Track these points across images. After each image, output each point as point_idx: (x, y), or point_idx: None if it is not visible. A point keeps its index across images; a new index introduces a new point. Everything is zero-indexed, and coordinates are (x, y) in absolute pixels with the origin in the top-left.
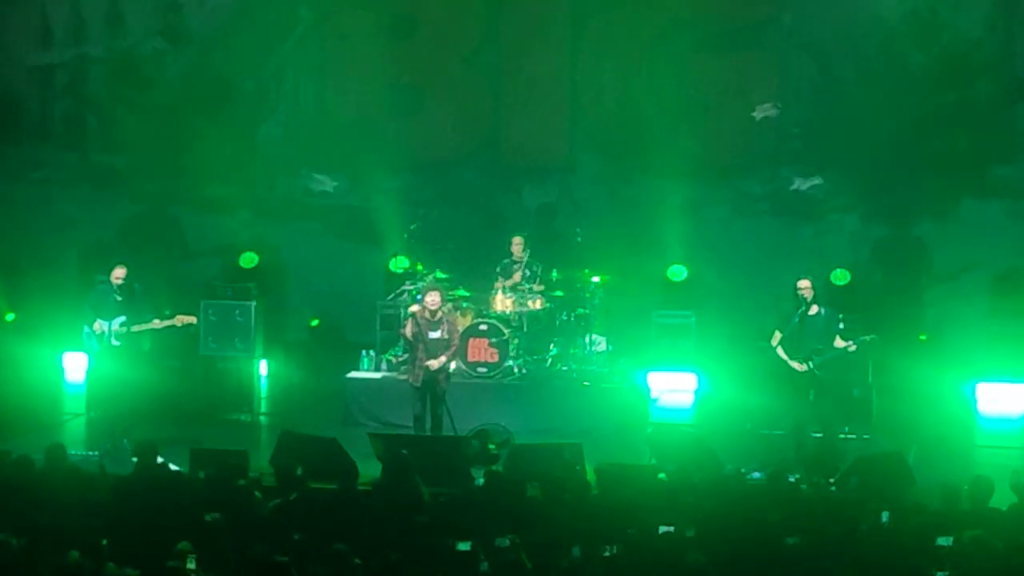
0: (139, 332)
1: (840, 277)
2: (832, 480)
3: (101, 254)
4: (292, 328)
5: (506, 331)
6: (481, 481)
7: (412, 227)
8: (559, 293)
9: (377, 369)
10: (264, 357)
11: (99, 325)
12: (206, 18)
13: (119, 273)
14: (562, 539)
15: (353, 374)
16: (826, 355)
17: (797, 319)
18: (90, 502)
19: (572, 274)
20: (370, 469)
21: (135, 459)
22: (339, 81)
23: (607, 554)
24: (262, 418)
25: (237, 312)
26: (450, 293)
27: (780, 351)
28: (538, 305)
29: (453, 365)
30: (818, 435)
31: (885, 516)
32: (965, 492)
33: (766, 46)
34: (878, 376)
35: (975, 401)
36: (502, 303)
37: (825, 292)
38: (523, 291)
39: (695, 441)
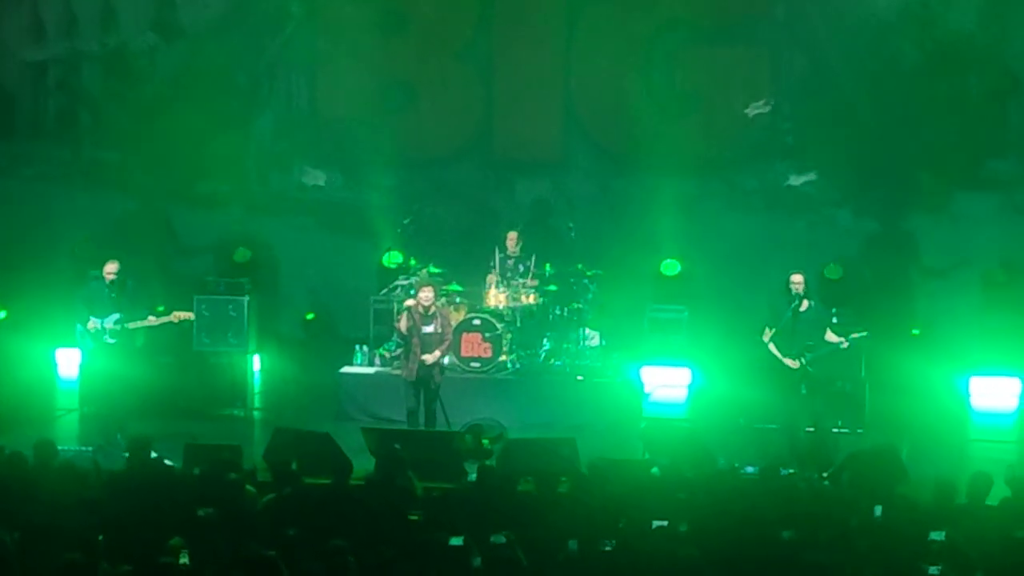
0: (133, 328)
1: (833, 271)
2: (825, 475)
3: (94, 250)
4: (285, 323)
5: (499, 326)
6: (474, 476)
7: (405, 222)
8: (552, 288)
9: (370, 364)
10: (257, 352)
11: (93, 323)
12: (198, 13)
13: (111, 268)
14: (556, 534)
15: (346, 369)
16: (818, 351)
17: (790, 314)
18: (83, 498)
19: (565, 269)
20: (363, 464)
21: (128, 454)
22: (331, 76)
23: (603, 549)
24: (255, 413)
25: (230, 307)
26: (443, 288)
27: (772, 347)
28: (531, 300)
29: (447, 360)
30: (811, 430)
31: (878, 510)
32: (964, 488)
33: (759, 41)
34: (871, 371)
35: (968, 395)
36: (495, 298)
37: (818, 286)
38: (516, 286)
39: (688, 436)
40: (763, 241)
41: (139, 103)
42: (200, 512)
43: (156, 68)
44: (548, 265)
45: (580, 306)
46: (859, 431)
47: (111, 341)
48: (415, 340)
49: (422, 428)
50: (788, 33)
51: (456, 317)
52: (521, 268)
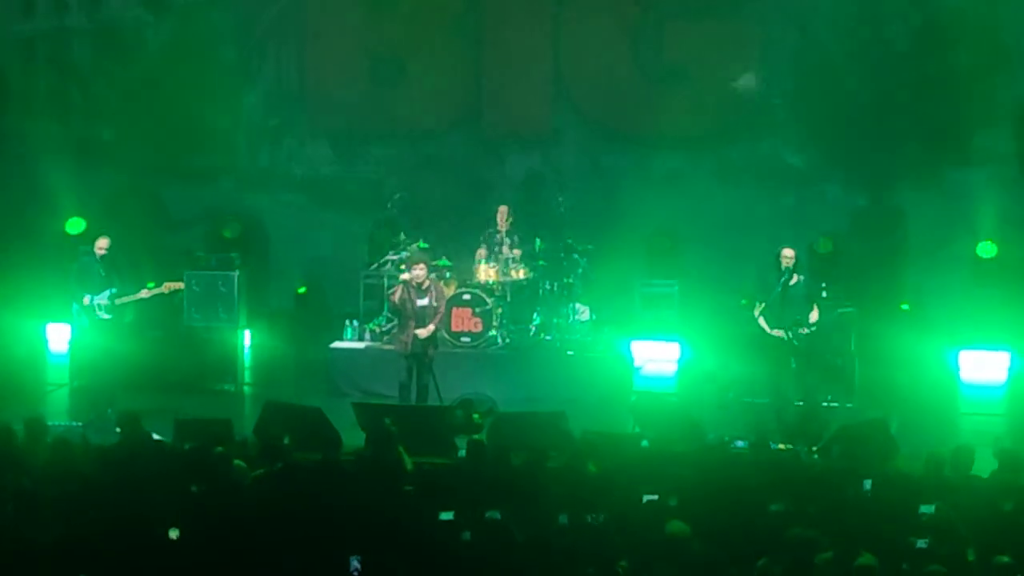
0: (123, 303)
1: (823, 246)
2: (815, 448)
3: (84, 226)
4: (276, 298)
5: (489, 301)
6: (464, 451)
7: (395, 197)
8: (542, 262)
9: (361, 339)
10: (248, 327)
11: (87, 299)
12: None
13: (102, 243)
14: (547, 508)
15: (337, 344)
16: (806, 325)
17: (779, 288)
18: (74, 472)
19: (555, 243)
20: (354, 439)
21: (119, 429)
22: (321, 51)
23: (591, 520)
24: (246, 388)
25: (220, 282)
26: (433, 263)
27: (761, 321)
28: (521, 274)
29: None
30: (801, 403)
31: (867, 484)
32: (947, 461)
33: (749, 15)
34: (861, 344)
35: (957, 369)
36: (485, 273)
37: (808, 261)
38: (507, 261)
39: (678, 410)
40: (753, 216)
41: (129, 79)
42: (193, 488)
43: (146, 43)
44: (538, 240)
45: (570, 281)
46: (849, 405)
47: (106, 317)
48: (409, 313)
49: (413, 402)
50: (778, 7)
51: (446, 291)
52: (509, 243)
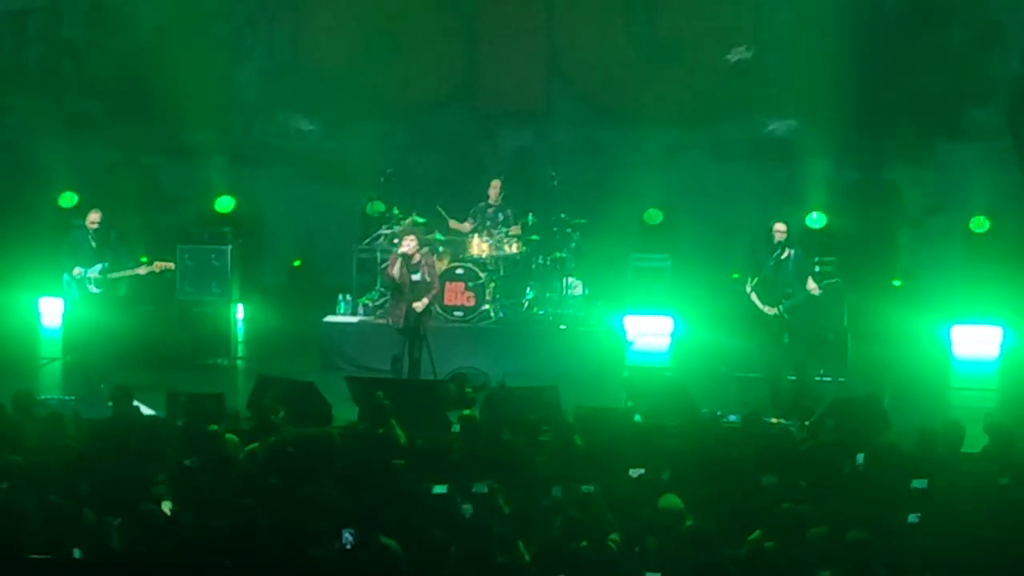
0: (116, 278)
1: (815, 220)
2: (807, 423)
3: (77, 200)
4: (269, 272)
5: (482, 275)
6: (456, 427)
7: (388, 171)
8: (535, 237)
9: (354, 313)
10: (240, 301)
11: (78, 271)
12: None
13: (94, 217)
14: (539, 481)
15: (330, 318)
16: (795, 299)
17: (772, 263)
18: (65, 447)
19: (548, 218)
20: (347, 413)
21: (111, 404)
22: (314, 25)
23: (585, 490)
24: (239, 362)
25: (213, 256)
26: (426, 236)
27: (753, 296)
28: (514, 249)
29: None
30: (793, 378)
31: (860, 458)
32: (938, 436)
33: None
34: (853, 319)
35: (950, 344)
36: (478, 247)
37: (800, 235)
38: (499, 235)
39: (671, 384)
40: (746, 190)
41: (121, 53)
42: (186, 462)
43: (138, 18)
44: (531, 214)
45: (563, 255)
46: (841, 379)
47: (96, 290)
48: (404, 288)
49: (406, 376)
50: None
51: (439, 266)
52: (502, 217)
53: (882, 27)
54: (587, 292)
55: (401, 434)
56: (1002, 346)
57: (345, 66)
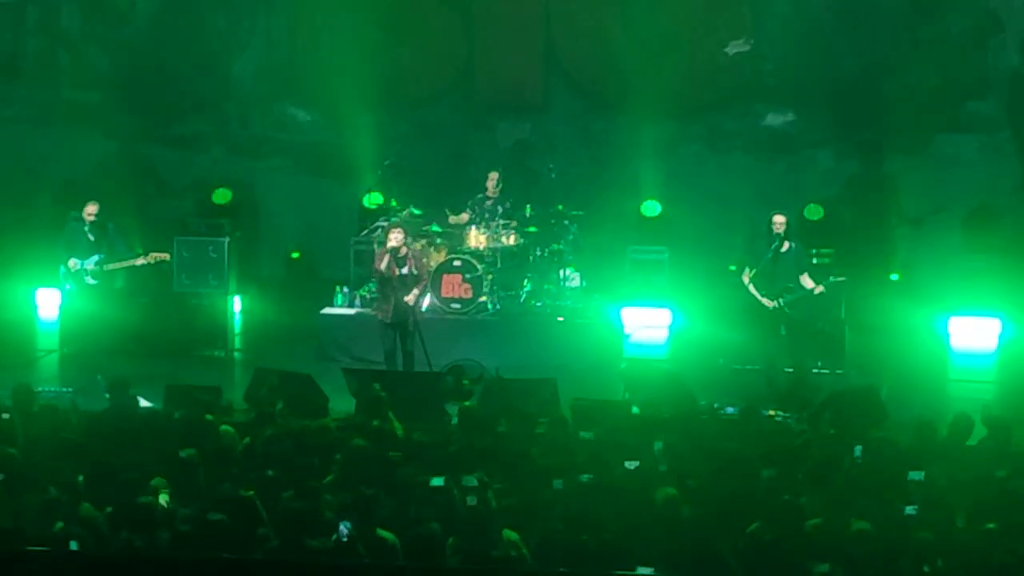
0: (112, 270)
1: (813, 212)
2: (805, 415)
3: (74, 191)
4: (266, 264)
5: (480, 267)
6: (455, 419)
7: (386, 163)
8: (533, 229)
9: (351, 305)
10: (238, 293)
11: (74, 263)
12: None
13: (91, 209)
14: (537, 473)
15: (327, 310)
16: (796, 294)
17: (770, 255)
18: (64, 439)
19: (546, 210)
20: (344, 405)
21: (109, 395)
22: (311, 17)
23: (584, 479)
24: (236, 354)
25: (210, 248)
26: (424, 228)
27: (751, 288)
28: (512, 241)
29: (426, 303)
30: (791, 370)
31: (858, 451)
32: (946, 428)
33: None
34: (851, 311)
35: (947, 336)
36: (476, 239)
37: (798, 227)
38: (496, 227)
39: (669, 376)
40: (743, 182)
41: (119, 44)
42: (182, 454)
43: (136, 9)
44: (529, 206)
45: (561, 247)
46: (839, 372)
47: (92, 282)
48: (394, 281)
49: (400, 369)
50: None
51: (436, 258)
52: (500, 209)
53: (880, 19)
54: (585, 284)
55: (398, 426)
56: (1000, 338)
57: (342, 58)
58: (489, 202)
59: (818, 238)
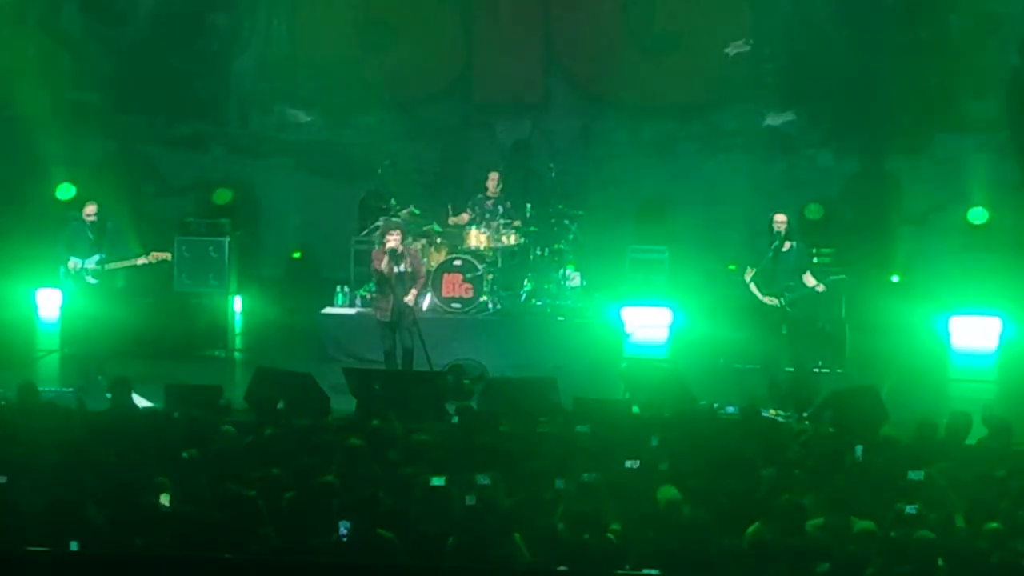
0: (113, 269)
1: (813, 211)
2: (805, 414)
3: (74, 191)
4: (266, 264)
5: (480, 266)
6: (456, 418)
7: (386, 163)
8: (533, 228)
9: (351, 305)
10: (238, 293)
11: (74, 263)
12: None
13: (90, 209)
14: (539, 472)
15: (327, 310)
16: (797, 292)
17: (771, 254)
18: (66, 439)
19: (546, 209)
20: (345, 404)
21: (110, 396)
22: (312, 16)
23: (587, 478)
24: (236, 354)
25: (211, 248)
26: (424, 228)
27: (752, 286)
28: (512, 240)
29: (426, 303)
30: (791, 370)
31: (859, 450)
32: (943, 427)
33: None
34: (851, 311)
35: (948, 335)
36: (476, 238)
37: (798, 226)
38: (497, 227)
39: (669, 375)
40: (744, 181)
41: (119, 44)
42: (184, 454)
43: (136, 9)
44: (529, 206)
45: (561, 247)
46: (839, 371)
47: (92, 281)
48: (393, 280)
49: (400, 368)
50: None
51: (437, 258)
52: (501, 209)
53: (880, 18)
54: (585, 283)
55: (398, 426)
56: (1000, 337)
57: (343, 57)
58: (489, 202)
59: (818, 237)
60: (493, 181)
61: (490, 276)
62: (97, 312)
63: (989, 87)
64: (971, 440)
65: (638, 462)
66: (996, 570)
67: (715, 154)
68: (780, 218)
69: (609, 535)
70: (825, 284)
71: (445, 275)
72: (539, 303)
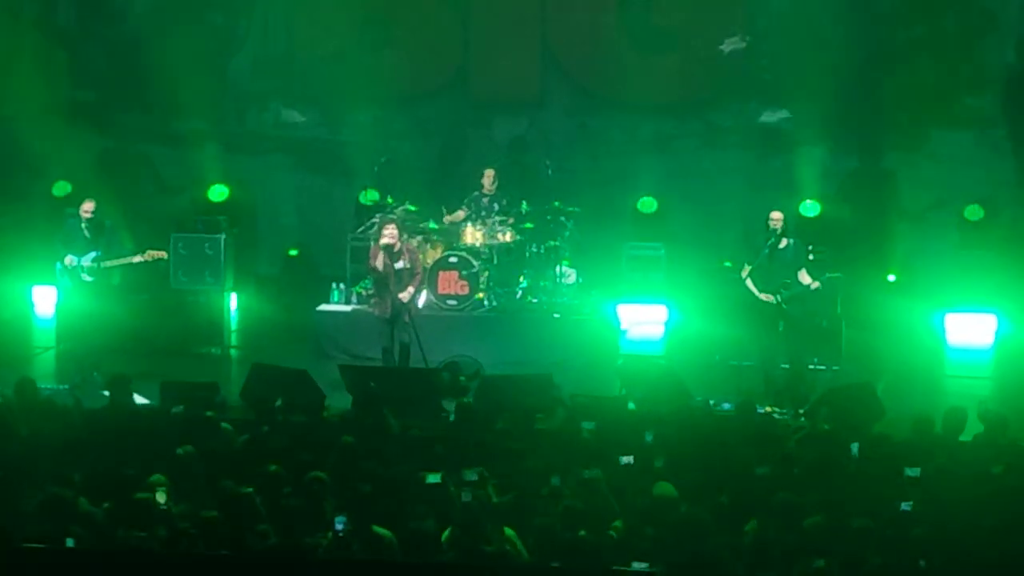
0: (109, 267)
1: (810, 209)
2: (801, 411)
3: (70, 189)
4: (262, 261)
5: (476, 263)
6: (452, 416)
7: (382, 160)
8: (529, 225)
9: (347, 302)
10: (234, 290)
11: (70, 260)
12: None
13: (88, 207)
14: (535, 469)
15: (323, 307)
16: (793, 289)
17: (767, 251)
18: (63, 436)
19: (542, 206)
20: (341, 401)
21: (106, 393)
22: (308, 14)
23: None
24: (232, 351)
25: (207, 245)
26: (420, 225)
27: (749, 283)
28: (508, 237)
29: (422, 300)
30: (787, 366)
31: (855, 448)
32: (939, 423)
33: None
34: (847, 307)
35: (944, 331)
36: (472, 235)
37: (795, 224)
38: (493, 224)
39: (665, 372)
40: (740, 179)
41: (115, 42)
42: (179, 451)
43: (132, 6)
44: (525, 203)
45: (557, 244)
46: (835, 368)
47: (88, 279)
48: (391, 277)
49: (396, 363)
50: None
51: (433, 255)
52: (497, 206)
53: (876, 16)
54: (581, 280)
55: (394, 423)
56: (996, 334)
57: (339, 55)
58: (485, 199)
59: (815, 234)
60: (488, 178)
61: (486, 273)
62: (93, 309)
63: (986, 84)
64: (967, 436)
65: (632, 458)
66: (992, 566)
67: (711, 151)
68: (776, 215)
69: (611, 532)
70: (821, 282)
71: (441, 272)
72: (535, 300)
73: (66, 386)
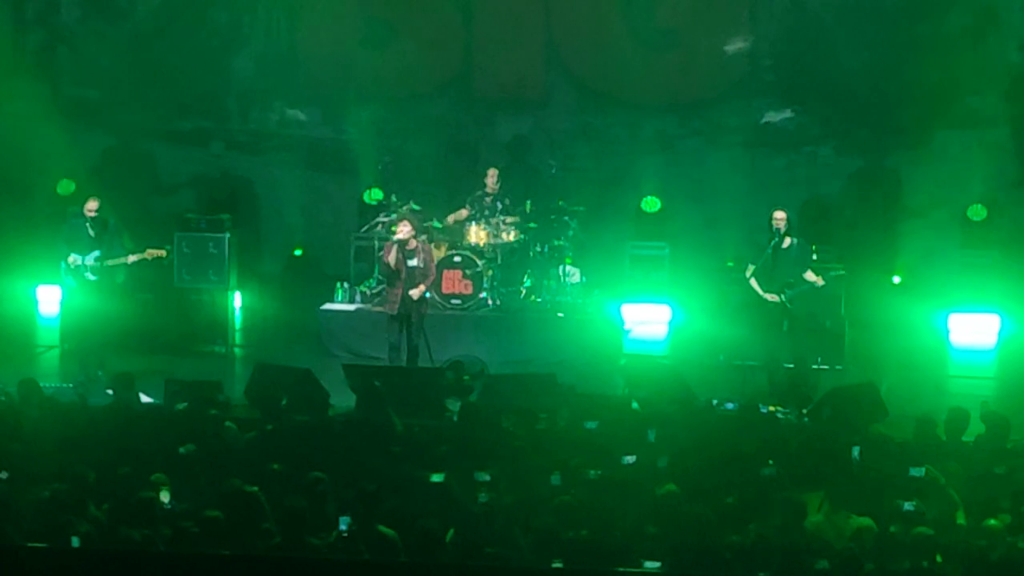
0: (113, 265)
1: (813, 208)
2: (805, 411)
3: (74, 187)
4: (266, 260)
5: (480, 263)
6: (455, 416)
7: (386, 159)
8: (533, 225)
9: (351, 301)
10: (238, 289)
11: (73, 259)
12: None
13: (92, 205)
14: (538, 468)
15: (327, 306)
16: (797, 288)
17: (770, 251)
18: (67, 435)
19: (546, 206)
20: (345, 400)
21: (111, 391)
22: (312, 13)
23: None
24: (236, 350)
25: (211, 244)
26: (424, 224)
27: (753, 283)
28: (512, 237)
29: (427, 295)
30: (790, 366)
31: (856, 451)
32: (941, 423)
33: None
34: (851, 307)
35: (947, 332)
36: (476, 235)
37: (798, 223)
38: (496, 223)
39: (668, 372)
40: (744, 178)
41: (119, 40)
42: (181, 450)
43: (136, 5)
44: (529, 202)
45: (561, 243)
46: (839, 368)
47: (92, 278)
48: (400, 274)
49: (404, 363)
50: None
51: (437, 254)
52: (500, 205)
53: (880, 15)
54: (585, 280)
55: (398, 422)
56: (999, 334)
57: (343, 53)
58: (489, 198)
59: (818, 234)
60: (492, 177)
61: (490, 272)
62: (97, 308)
63: (989, 84)
64: (969, 437)
65: (635, 457)
66: (995, 566)
67: (715, 151)
68: (779, 215)
69: (607, 531)
70: (825, 280)
71: (445, 271)
72: (539, 299)
73: (70, 385)
